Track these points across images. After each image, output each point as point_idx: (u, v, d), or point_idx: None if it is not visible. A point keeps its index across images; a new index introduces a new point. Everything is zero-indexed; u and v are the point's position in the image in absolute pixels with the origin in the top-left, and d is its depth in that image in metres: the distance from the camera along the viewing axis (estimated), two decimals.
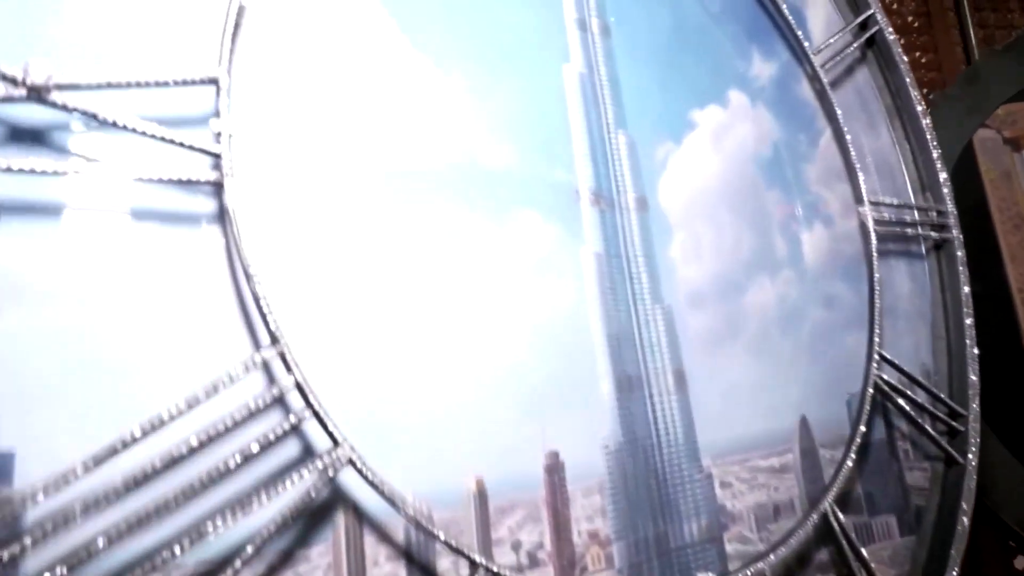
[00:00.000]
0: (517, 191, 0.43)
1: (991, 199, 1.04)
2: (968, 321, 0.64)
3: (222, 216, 0.31)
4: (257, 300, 0.30)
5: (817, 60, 0.61)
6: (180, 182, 0.30)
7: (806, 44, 0.61)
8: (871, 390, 0.53)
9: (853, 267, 0.60)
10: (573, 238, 0.45)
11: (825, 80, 0.60)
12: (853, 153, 0.60)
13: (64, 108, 0.28)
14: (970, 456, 0.58)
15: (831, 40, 0.62)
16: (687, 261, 0.50)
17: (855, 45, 0.64)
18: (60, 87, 0.29)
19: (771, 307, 0.54)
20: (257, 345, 0.31)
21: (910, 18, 1.62)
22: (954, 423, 0.59)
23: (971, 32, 1.42)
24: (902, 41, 1.47)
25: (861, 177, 0.60)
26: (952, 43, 1.63)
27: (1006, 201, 1.04)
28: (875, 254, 0.57)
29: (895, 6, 1.58)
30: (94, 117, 0.29)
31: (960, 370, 0.63)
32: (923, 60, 1.59)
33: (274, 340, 0.30)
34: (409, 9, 0.42)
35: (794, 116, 0.61)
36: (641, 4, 0.54)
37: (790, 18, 0.59)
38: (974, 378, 0.63)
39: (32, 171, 0.28)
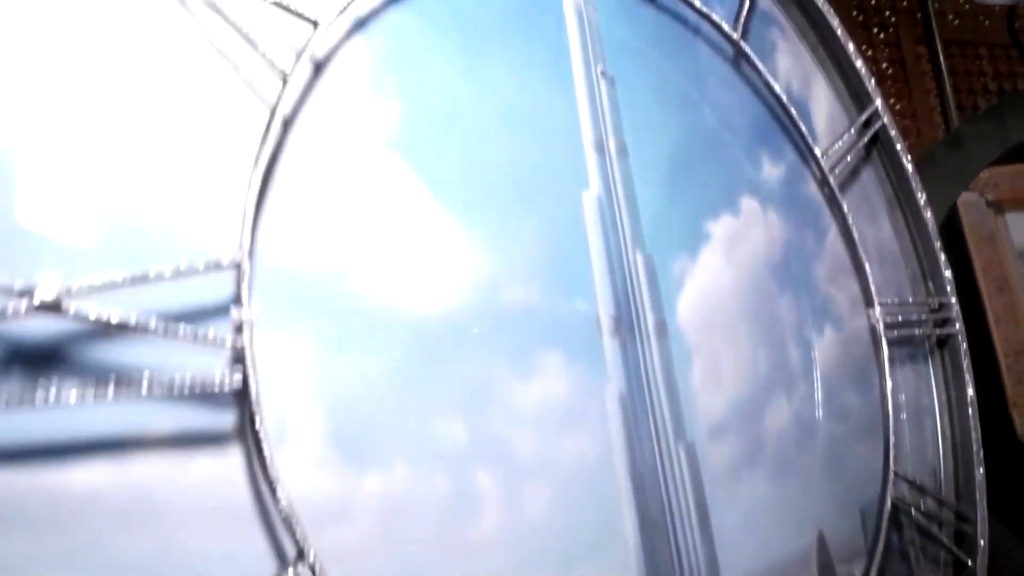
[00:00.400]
0: (540, 330, 0.42)
1: (976, 262, 1.06)
2: (973, 421, 0.64)
3: (243, 427, 0.29)
4: (283, 516, 0.28)
5: (825, 163, 0.60)
6: (202, 394, 0.28)
7: (816, 149, 0.60)
8: (888, 508, 0.53)
9: (862, 371, 0.60)
10: (597, 377, 0.44)
11: (834, 184, 0.60)
12: (862, 254, 0.60)
13: (78, 317, 0.26)
14: (979, 559, 0.58)
15: (837, 144, 0.62)
16: (707, 388, 0.49)
17: (860, 144, 0.64)
18: (73, 294, 0.26)
19: (788, 428, 0.53)
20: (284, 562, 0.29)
21: (884, 64, 1.65)
22: (963, 524, 0.59)
23: (946, 80, 1.45)
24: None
25: (871, 279, 0.60)
26: (926, 89, 1.66)
27: (991, 263, 1.06)
28: (887, 364, 0.57)
29: (869, 52, 1.61)
30: (109, 323, 0.27)
31: (967, 471, 0.63)
32: (897, 107, 1.62)
33: (301, 555, 0.28)
34: (429, 161, 0.40)
35: (802, 214, 0.61)
36: (656, 120, 0.53)
37: (802, 126, 0.59)
38: (980, 478, 0.63)
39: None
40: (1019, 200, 1.08)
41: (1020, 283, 1.06)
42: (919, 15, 1.49)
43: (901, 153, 0.67)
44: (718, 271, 0.53)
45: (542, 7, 0.48)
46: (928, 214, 0.68)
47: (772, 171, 0.60)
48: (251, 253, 0.31)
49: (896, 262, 0.69)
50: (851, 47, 0.66)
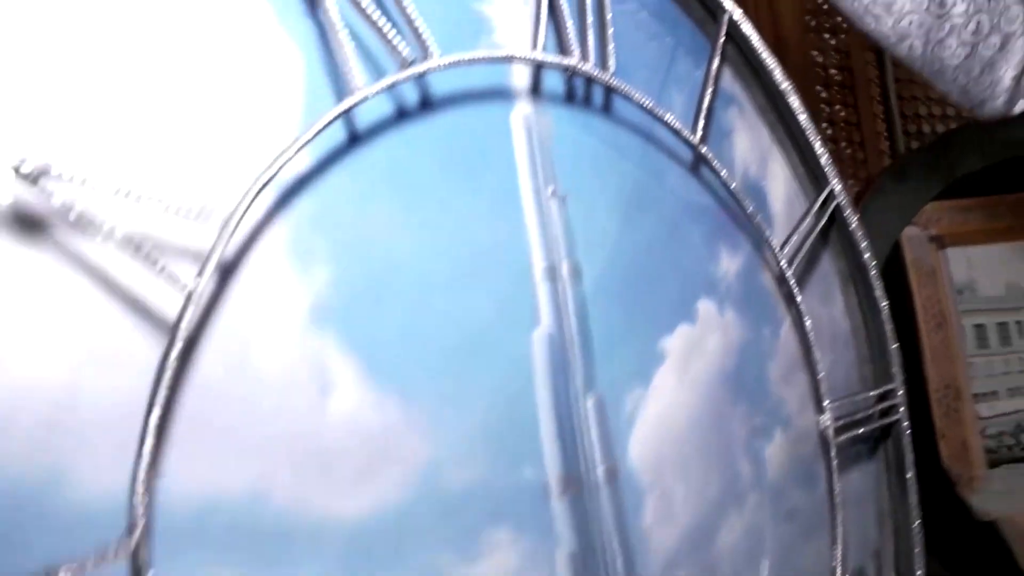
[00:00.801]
0: (486, 508, 0.39)
1: (916, 298, 1.07)
2: (913, 501, 0.65)
3: None
4: None
5: (783, 257, 0.58)
6: None
7: (773, 241, 0.58)
8: None
9: (808, 469, 0.60)
10: (548, 542, 0.41)
11: (792, 281, 0.58)
12: (816, 356, 0.59)
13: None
14: None
15: (794, 237, 0.60)
16: (660, 525, 0.47)
17: (818, 228, 0.63)
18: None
19: (740, 541, 0.53)
20: None
21: (833, 81, 1.63)
22: None
23: (893, 106, 1.46)
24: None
25: (823, 384, 0.59)
26: (873, 113, 1.63)
27: (931, 300, 1.08)
28: (835, 472, 0.57)
29: (823, 93, 1.58)
30: None
31: (907, 547, 0.65)
32: (844, 133, 1.61)
33: None
34: (364, 332, 0.36)
35: (758, 308, 0.59)
36: (611, 233, 0.49)
37: (760, 221, 0.56)
38: (918, 553, 0.64)
39: None
40: (960, 235, 1.10)
41: (956, 319, 1.08)
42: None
43: (856, 231, 0.65)
44: (672, 395, 0.51)
45: (488, 137, 0.43)
46: (879, 293, 0.67)
47: (730, 265, 0.58)
48: (148, 509, 0.27)
49: (847, 341, 0.69)
50: (810, 127, 0.64)
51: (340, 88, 0.36)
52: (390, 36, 0.36)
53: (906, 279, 1.09)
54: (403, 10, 0.37)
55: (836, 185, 0.65)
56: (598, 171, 0.49)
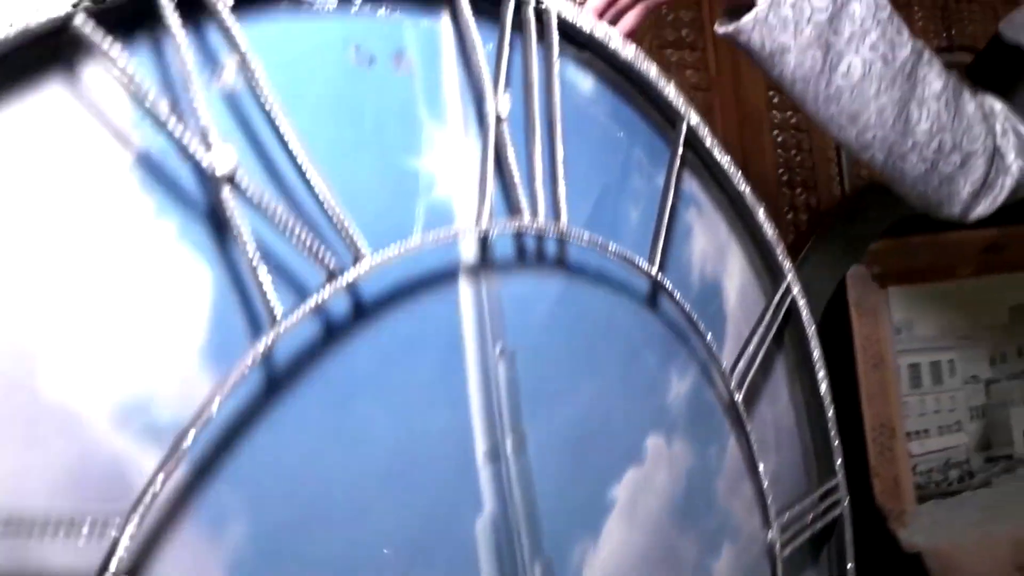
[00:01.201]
0: None
1: (856, 338, 1.09)
2: None
3: None
4: None
5: (734, 378, 0.57)
6: None
7: (723, 361, 0.56)
8: None
9: (755, 571, 0.60)
10: None
11: (741, 407, 0.57)
12: (762, 477, 0.58)
13: None
14: None
15: (744, 355, 0.58)
16: None
17: (770, 335, 0.61)
18: None
19: None
20: None
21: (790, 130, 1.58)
22: None
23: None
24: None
25: (769, 499, 0.58)
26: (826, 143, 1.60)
27: (870, 340, 1.09)
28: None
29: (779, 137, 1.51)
30: None
31: None
32: (797, 158, 1.58)
33: None
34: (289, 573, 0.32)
35: (706, 428, 0.58)
36: (562, 385, 0.46)
37: (715, 352, 0.54)
38: None
39: None
40: (903, 274, 1.11)
41: (893, 359, 1.10)
42: None
43: (809, 334, 0.64)
44: (621, 540, 0.49)
45: (430, 318, 0.39)
46: (824, 388, 0.66)
47: (680, 388, 0.55)
48: None
49: (791, 434, 0.68)
50: (768, 224, 0.61)
51: (253, 317, 0.31)
52: (313, 247, 0.31)
53: (848, 317, 1.10)
54: (328, 212, 0.32)
55: (792, 281, 0.63)
56: (550, 323, 0.45)
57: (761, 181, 1.48)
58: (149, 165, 0.29)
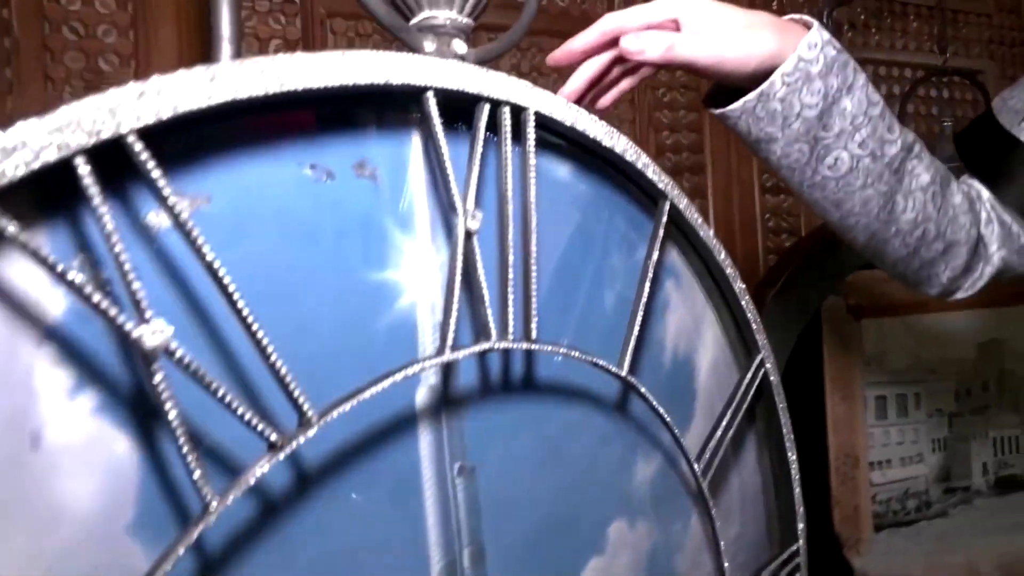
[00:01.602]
0: None
1: (827, 370, 1.09)
2: None
3: None
4: None
5: (699, 465, 0.56)
6: None
7: (690, 455, 0.55)
8: None
9: None
10: None
11: (707, 494, 0.56)
12: (726, 562, 0.58)
13: None
14: None
15: (711, 441, 0.57)
16: None
17: (741, 413, 0.60)
18: None
19: None
20: None
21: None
22: None
23: None
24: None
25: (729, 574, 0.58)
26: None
27: (841, 371, 1.09)
28: None
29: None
30: None
31: None
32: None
33: None
34: None
35: (669, 508, 0.57)
36: (523, 494, 0.45)
37: (683, 445, 0.53)
38: None
39: None
40: (877, 307, 1.11)
41: (861, 391, 1.11)
42: None
43: (780, 408, 0.63)
44: None
45: (389, 446, 0.37)
46: (793, 459, 0.66)
47: (645, 472, 0.55)
48: None
49: (756, 498, 0.68)
50: (746, 298, 0.60)
51: (183, 494, 0.29)
52: (252, 421, 0.29)
53: (820, 348, 1.10)
54: (277, 373, 0.30)
55: (766, 354, 0.62)
56: (513, 435, 0.44)
57: (745, 224, 1.48)
58: (65, 337, 0.27)
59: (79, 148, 0.26)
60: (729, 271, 0.59)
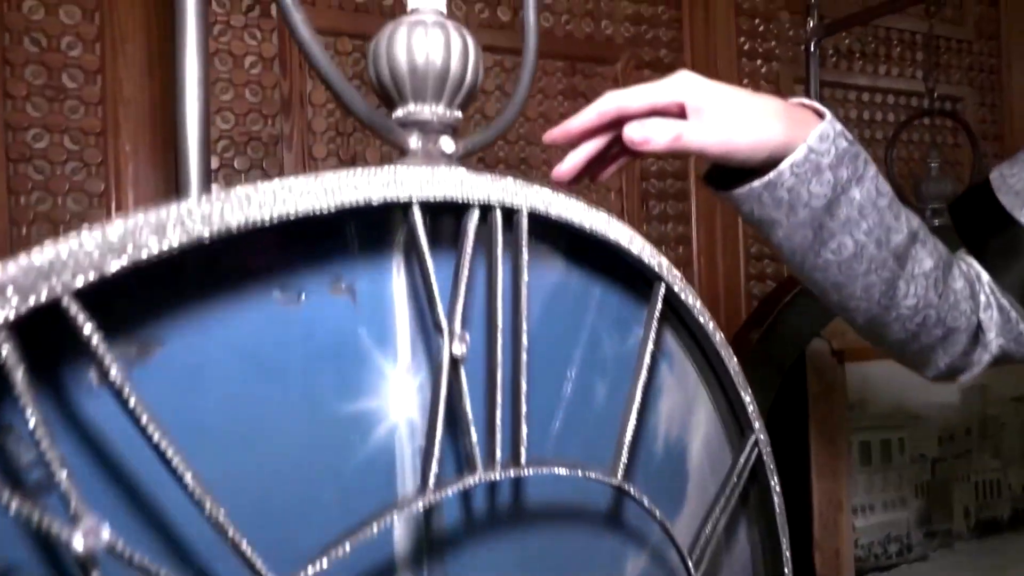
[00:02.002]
0: None
1: (812, 415, 1.07)
2: None
3: None
4: None
5: (694, 555, 0.53)
6: None
7: (683, 550, 0.52)
8: None
9: None
10: None
11: None
12: None
13: None
14: None
15: (703, 533, 0.54)
16: None
17: (731, 504, 0.57)
18: None
19: None
20: None
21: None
22: None
23: None
24: None
25: None
26: None
27: (825, 416, 1.08)
28: None
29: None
30: None
31: None
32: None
33: None
34: None
35: None
36: None
37: (676, 541, 0.50)
38: None
39: None
40: (862, 350, 1.09)
41: (845, 437, 1.09)
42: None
43: (772, 482, 0.61)
44: None
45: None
46: (785, 544, 0.63)
47: (636, 564, 0.52)
48: None
49: (745, 569, 0.66)
50: (739, 376, 0.58)
51: None
52: None
53: (805, 391, 1.08)
54: (236, 548, 0.26)
55: (760, 434, 0.60)
56: (496, 550, 0.41)
57: (729, 272, 1.48)
58: None
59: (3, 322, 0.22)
60: (723, 352, 0.56)
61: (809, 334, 1.07)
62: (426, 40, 0.36)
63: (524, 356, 0.37)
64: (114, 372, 0.24)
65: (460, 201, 0.34)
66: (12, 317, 0.22)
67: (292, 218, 0.28)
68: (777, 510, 0.62)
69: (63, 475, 0.22)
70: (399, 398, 0.35)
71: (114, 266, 0.23)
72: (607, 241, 0.45)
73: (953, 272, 0.60)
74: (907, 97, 1.77)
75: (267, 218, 0.27)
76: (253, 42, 1.18)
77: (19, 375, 0.22)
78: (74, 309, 0.23)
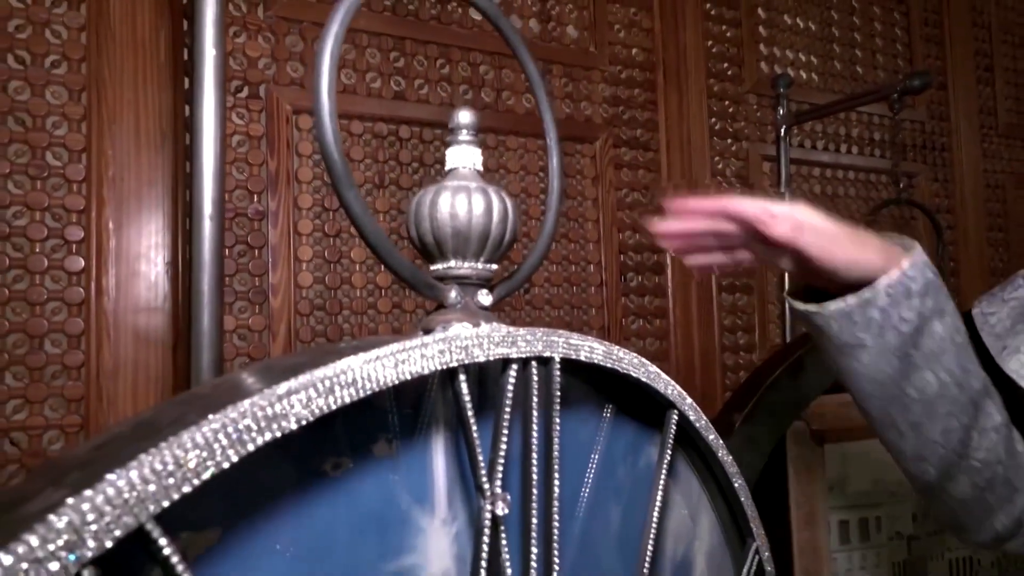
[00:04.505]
0: None
1: (792, 495, 1.09)
2: None
3: None
4: None
5: None
6: None
7: None
8: None
9: None
10: None
11: None
12: None
13: None
14: None
15: None
16: None
17: None
18: None
19: None
20: None
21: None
22: None
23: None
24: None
25: None
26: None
27: (805, 497, 1.10)
28: None
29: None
30: None
31: None
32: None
33: None
34: None
35: None
36: None
37: None
38: None
39: None
40: (840, 431, 1.12)
41: (824, 516, 1.11)
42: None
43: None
44: None
45: None
46: None
47: None
48: None
49: None
50: (743, 488, 0.59)
51: None
52: None
53: (785, 473, 1.10)
54: None
55: (760, 542, 0.61)
56: None
57: (704, 344, 1.53)
58: None
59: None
60: (730, 468, 0.57)
61: (790, 417, 1.10)
62: (470, 204, 0.37)
63: (556, 508, 0.38)
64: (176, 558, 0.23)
65: (498, 359, 0.35)
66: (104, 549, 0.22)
67: (355, 400, 0.28)
68: None
69: None
70: (436, 550, 0.36)
71: (189, 487, 0.24)
72: (628, 376, 0.46)
73: (1014, 434, 0.60)
74: (866, 173, 1.86)
75: (331, 406, 0.28)
76: (240, 122, 1.19)
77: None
78: (156, 533, 0.23)
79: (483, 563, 0.34)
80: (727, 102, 1.66)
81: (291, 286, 1.19)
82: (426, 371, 0.31)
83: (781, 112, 1.45)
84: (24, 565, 0.20)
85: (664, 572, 0.54)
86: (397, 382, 0.30)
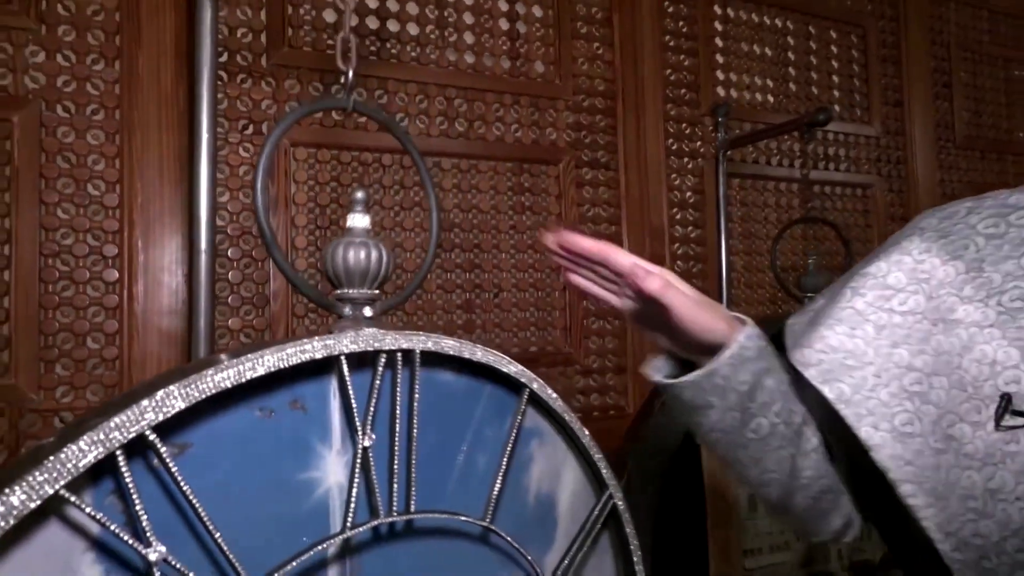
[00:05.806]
0: None
1: (705, 472, 1.28)
2: None
3: None
4: None
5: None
6: None
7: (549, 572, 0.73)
8: None
9: None
10: None
11: None
12: None
13: None
14: None
15: (567, 558, 0.75)
16: None
17: (595, 530, 0.78)
18: None
19: None
20: None
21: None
22: None
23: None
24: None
25: None
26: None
27: (716, 474, 1.29)
28: None
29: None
30: None
31: None
32: None
33: None
34: None
35: None
36: None
37: (536, 564, 0.71)
38: None
39: None
40: None
41: (734, 489, 1.30)
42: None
43: (628, 531, 0.82)
44: None
45: None
46: (639, 568, 0.84)
47: None
48: None
49: None
50: (594, 447, 0.79)
51: None
52: None
53: (700, 469, 1.28)
54: (228, 560, 0.47)
55: (614, 490, 0.81)
56: (399, 564, 0.61)
57: None
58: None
59: (119, 444, 0.43)
60: (577, 428, 0.77)
61: None
62: (357, 253, 0.59)
63: (414, 445, 0.58)
64: (169, 457, 0.45)
65: (373, 350, 0.56)
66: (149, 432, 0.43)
67: (265, 374, 0.50)
68: (633, 550, 0.83)
69: (144, 519, 0.43)
70: (332, 470, 0.57)
71: (177, 406, 0.45)
72: (486, 364, 0.67)
73: (823, 450, 0.71)
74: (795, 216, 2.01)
75: (256, 374, 0.49)
76: (246, 154, 1.41)
77: (127, 474, 0.43)
78: (152, 437, 0.44)
79: (356, 478, 0.55)
80: (684, 124, 1.84)
81: (288, 293, 1.41)
82: (316, 357, 0.52)
83: (721, 136, 1.63)
84: (85, 445, 0.42)
85: (528, 503, 0.74)
86: (297, 363, 0.51)
